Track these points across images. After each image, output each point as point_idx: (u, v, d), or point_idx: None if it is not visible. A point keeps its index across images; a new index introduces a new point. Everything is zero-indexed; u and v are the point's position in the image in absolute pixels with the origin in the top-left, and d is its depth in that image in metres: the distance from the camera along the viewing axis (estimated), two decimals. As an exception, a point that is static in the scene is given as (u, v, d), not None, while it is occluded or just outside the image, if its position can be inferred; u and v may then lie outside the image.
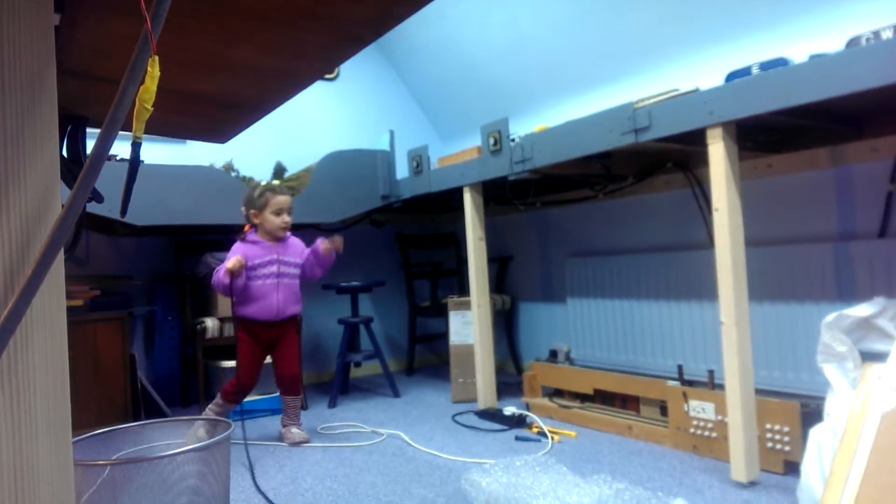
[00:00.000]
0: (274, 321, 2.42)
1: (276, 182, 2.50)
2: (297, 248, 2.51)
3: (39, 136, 0.52)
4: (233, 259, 2.30)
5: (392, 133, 3.34)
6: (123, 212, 0.46)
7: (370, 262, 3.89)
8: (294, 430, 2.44)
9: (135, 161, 0.45)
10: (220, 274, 2.30)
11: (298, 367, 2.53)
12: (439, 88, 4.05)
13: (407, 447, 2.28)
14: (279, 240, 2.44)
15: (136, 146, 0.43)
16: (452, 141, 4.17)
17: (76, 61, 0.84)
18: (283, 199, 2.41)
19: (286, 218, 2.42)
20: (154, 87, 0.40)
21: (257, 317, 2.39)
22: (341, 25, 0.78)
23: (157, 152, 3.13)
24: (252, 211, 2.40)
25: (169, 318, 3.15)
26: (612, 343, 2.83)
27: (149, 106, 0.40)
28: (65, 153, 1.09)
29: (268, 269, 2.40)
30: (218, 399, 2.39)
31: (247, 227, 2.45)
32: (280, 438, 2.46)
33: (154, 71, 0.39)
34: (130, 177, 0.46)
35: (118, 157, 2.62)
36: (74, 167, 1.08)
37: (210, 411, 2.37)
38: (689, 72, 2.64)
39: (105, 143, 0.38)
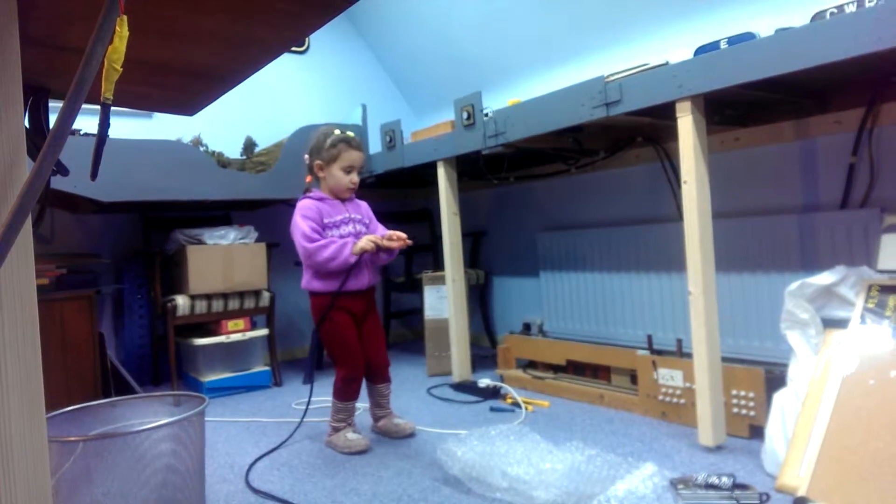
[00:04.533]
0: (364, 290, 2.11)
1: (350, 133, 2.10)
2: (364, 208, 2.20)
3: (3, 104, 0.50)
4: (369, 240, 2.00)
5: (364, 107, 3.31)
6: (94, 175, 0.45)
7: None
8: (399, 420, 2.16)
9: (104, 122, 0.44)
10: (347, 253, 1.98)
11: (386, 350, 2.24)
12: (411, 62, 4.01)
13: (383, 420, 2.30)
14: (344, 199, 2.13)
15: (105, 107, 0.42)
16: (425, 115, 4.14)
17: (38, 29, 0.81)
18: (356, 156, 2.06)
19: (355, 178, 2.08)
20: (123, 48, 0.39)
21: (350, 288, 2.05)
22: (312, -9, 0.76)
23: (123, 126, 3.05)
24: (317, 162, 2.06)
25: (138, 297, 3.10)
26: (584, 315, 2.88)
27: (118, 66, 0.39)
28: (27, 125, 1.06)
29: (344, 230, 2.07)
30: (336, 404, 2.08)
31: (308, 179, 2.12)
32: (382, 432, 2.17)
33: (123, 31, 0.38)
34: (101, 138, 0.45)
35: (83, 132, 2.55)
36: (38, 140, 1.05)
37: (335, 421, 2.08)
38: (659, 46, 2.66)
39: (73, 104, 0.37)
